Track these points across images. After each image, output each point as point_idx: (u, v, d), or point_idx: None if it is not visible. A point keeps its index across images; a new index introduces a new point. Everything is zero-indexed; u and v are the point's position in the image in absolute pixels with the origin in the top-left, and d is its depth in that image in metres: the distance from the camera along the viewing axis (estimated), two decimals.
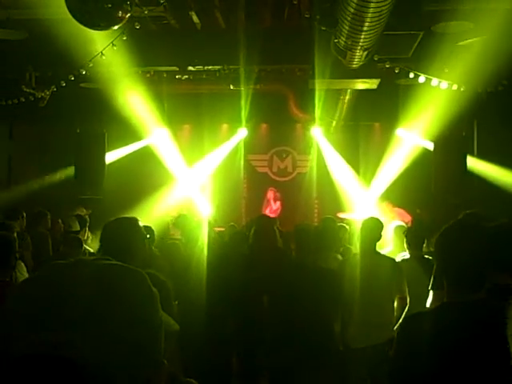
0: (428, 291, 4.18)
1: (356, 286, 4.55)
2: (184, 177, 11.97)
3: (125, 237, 2.55)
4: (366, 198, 11.31)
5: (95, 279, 0.82)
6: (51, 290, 0.81)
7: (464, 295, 2.11)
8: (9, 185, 11.09)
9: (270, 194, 12.21)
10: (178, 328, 2.03)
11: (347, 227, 7.56)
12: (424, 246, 5.44)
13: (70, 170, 11.30)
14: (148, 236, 3.08)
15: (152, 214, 9.75)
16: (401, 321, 2.22)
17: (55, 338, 0.77)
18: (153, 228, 5.58)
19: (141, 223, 2.79)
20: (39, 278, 0.85)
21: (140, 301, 0.84)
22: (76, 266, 0.85)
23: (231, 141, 12.32)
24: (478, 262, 2.14)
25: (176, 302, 2.57)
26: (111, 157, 11.30)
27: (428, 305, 4.17)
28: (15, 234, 4.93)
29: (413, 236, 5.35)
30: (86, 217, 7.40)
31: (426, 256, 5.34)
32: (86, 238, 6.77)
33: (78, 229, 6.88)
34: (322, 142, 12.04)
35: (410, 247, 5.34)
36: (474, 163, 10.72)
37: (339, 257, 5.50)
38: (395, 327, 2.07)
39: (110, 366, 0.78)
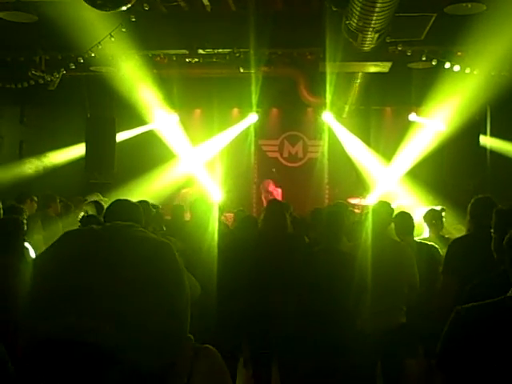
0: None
1: (367, 272, 4.51)
2: (189, 156, 11.83)
3: (127, 214, 2.93)
4: (381, 180, 11.20)
5: (122, 254, 0.80)
6: (77, 268, 0.79)
7: None
8: (20, 168, 11.12)
9: (271, 187, 11.67)
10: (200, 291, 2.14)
11: (357, 212, 7.52)
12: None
13: (81, 155, 11.33)
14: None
15: (161, 196, 9.81)
16: (455, 311, 2.06)
17: (80, 323, 0.74)
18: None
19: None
20: (64, 250, 0.83)
21: (168, 277, 0.82)
22: (102, 237, 0.82)
23: (240, 124, 12.24)
24: None
25: None
26: (120, 137, 11.30)
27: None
28: (25, 218, 4.95)
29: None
30: (103, 203, 7.40)
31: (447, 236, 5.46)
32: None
33: (96, 215, 6.87)
34: (334, 125, 11.92)
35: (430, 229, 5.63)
36: (487, 146, 10.62)
37: (348, 242, 5.46)
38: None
39: (136, 351, 0.76)
